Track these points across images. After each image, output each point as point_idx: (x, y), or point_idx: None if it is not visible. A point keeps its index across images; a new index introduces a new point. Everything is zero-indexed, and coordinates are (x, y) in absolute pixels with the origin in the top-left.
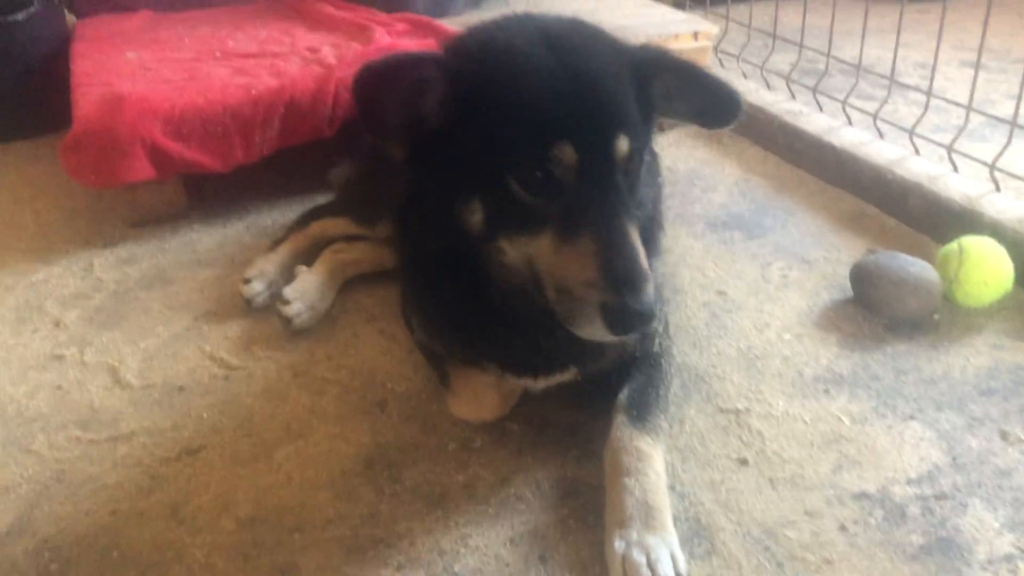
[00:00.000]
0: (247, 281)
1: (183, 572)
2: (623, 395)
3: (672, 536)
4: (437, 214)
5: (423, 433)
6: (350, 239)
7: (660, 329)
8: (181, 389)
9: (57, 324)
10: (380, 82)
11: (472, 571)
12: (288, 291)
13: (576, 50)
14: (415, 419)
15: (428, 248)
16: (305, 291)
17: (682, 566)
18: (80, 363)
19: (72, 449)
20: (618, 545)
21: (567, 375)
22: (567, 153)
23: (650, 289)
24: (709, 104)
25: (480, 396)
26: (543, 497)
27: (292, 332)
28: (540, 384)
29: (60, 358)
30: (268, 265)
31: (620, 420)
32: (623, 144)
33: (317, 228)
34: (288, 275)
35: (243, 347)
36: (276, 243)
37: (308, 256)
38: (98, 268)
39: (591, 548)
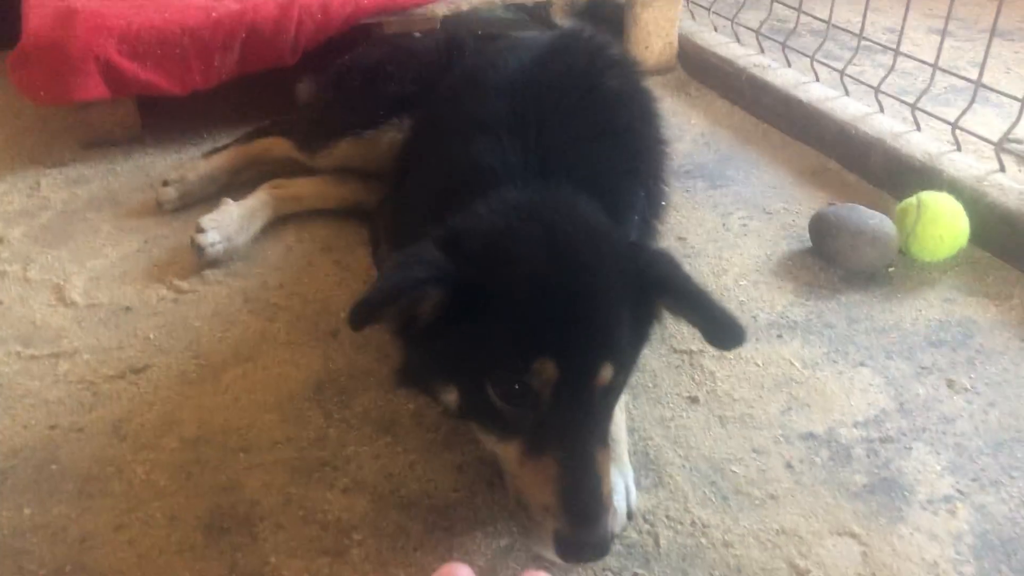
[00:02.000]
0: (165, 184)
1: (123, 487)
2: None
3: (629, 471)
4: (419, 379)
5: (376, 362)
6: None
7: None
8: (128, 310)
9: (1, 241)
10: (376, 311)
11: (418, 495)
12: (205, 220)
13: (580, 269)
14: (368, 348)
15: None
16: (223, 221)
17: (634, 500)
18: (23, 280)
19: (11, 364)
20: None
21: None
22: (548, 369)
23: (607, 520)
24: (711, 331)
25: None
26: None
27: (205, 263)
28: None
29: (2, 274)
30: (190, 173)
31: None
32: (607, 372)
33: (260, 145)
34: (212, 187)
35: (193, 271)
36: (211, 152)
37: (247, 176)
38: (45, 187)
39: None
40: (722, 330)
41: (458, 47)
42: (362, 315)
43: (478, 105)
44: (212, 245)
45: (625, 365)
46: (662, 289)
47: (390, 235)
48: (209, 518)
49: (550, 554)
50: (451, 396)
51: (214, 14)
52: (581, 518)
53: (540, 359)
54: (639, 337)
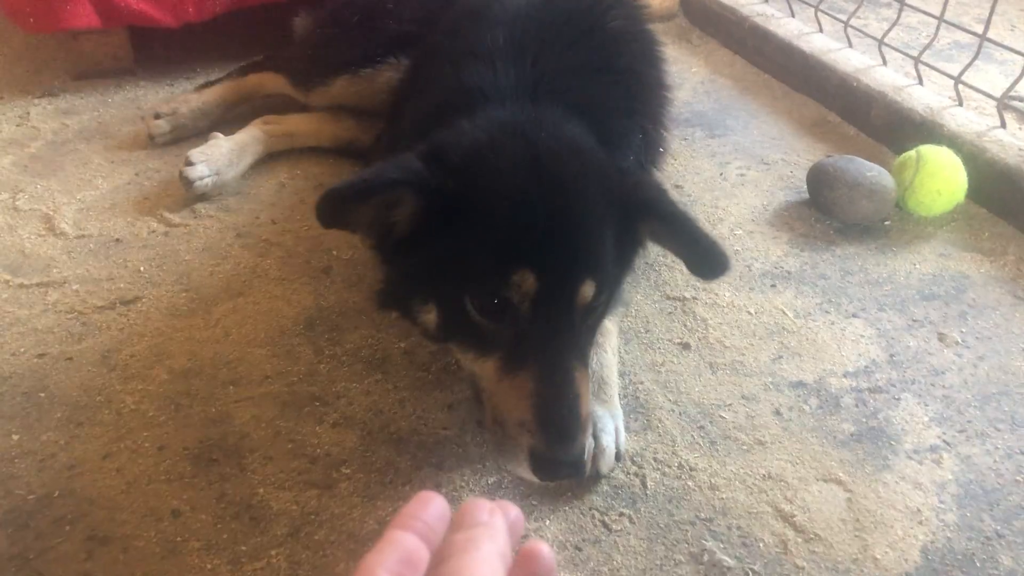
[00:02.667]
0: (157, 116)
1: (112, 416)
2: None
3: (619, 412)
4: (398, 298)
5: (367, 300)
6: (288, 109)
7: None
8: (118, 241)
9: None
10: (345, 205)
11: (408, 432)
12: (194, 153)
13: (563, 184)
14: (360, 286)
15: None
16: (212, 155)
17: (623, 441)
18: (12, 208)
19: (0, 292)
20: None
21: None
22: (527, 281)
23: (583, 440)
24: (695, 258)
25: None
26: None
27: (193, 196)
28: None
29: None
30: (182, 106)
31: None
32: (588, 290)
33: (253, 80)
34: (204, 122)
35: (184, 205)
36: (204, 86)
37: (240, 111)
38: (35, 117)
39: None
40: (705, 257)
41: None
42: (329, 207)
43: (475, 35)
44: (200, 179)
45: (607, 286)
46: (647, 213)
47: None
48: (198, 449)
49: (525, 472)
50: (430, 316)
51: None
52: (557, 435)
53: (519, 271)
54: (623, 261)
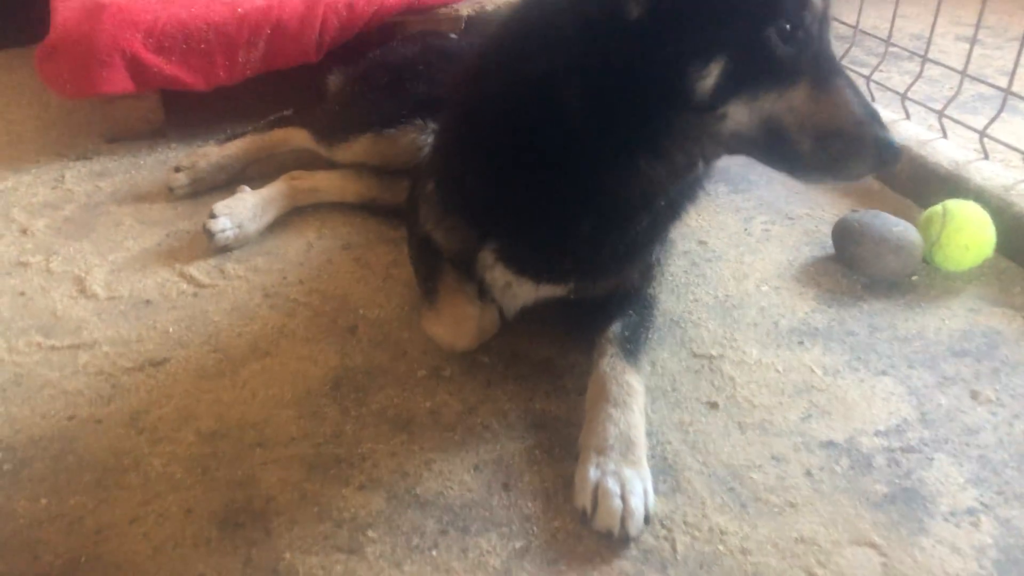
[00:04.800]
0: (177, 170)
1: (139, 479)
2: (616, 328)
3: (647, 474)
4: (649, 82)
5: (393, 359)
6: (311, 165)
7: (655, 275)
8: (148, 303)
9: (24, 232)
10: None
11: (434, 494)
12: (219, 206)
13: None
14: (385, 345)
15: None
16: (236, 208)
17: (651, 503)
18: (45, 271)
19: (32, 354)
20: (592, 472)
21: (563, 289)
22: (819, 3)
23: None
24: None
25: (461, 320)
26: (510, 427)
27: (215, 248)
28: (532, 294)
29: (25, 265)
30: (201, 160)
31: (614, 351)
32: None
33: (278, 135)
34: (223, 175)
35: (214, 266)
36: (227, 139)
37: (264, 166)
38: (69, 180)
39: (555, 479)
40: None
41: None
42: None
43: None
44: (222, 231)
45: None
46: None
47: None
48: (224, 512)
49: (870, 166)
50: (708, 80)
51: (240, 10)
52: (880, 120)
53: None
54: None
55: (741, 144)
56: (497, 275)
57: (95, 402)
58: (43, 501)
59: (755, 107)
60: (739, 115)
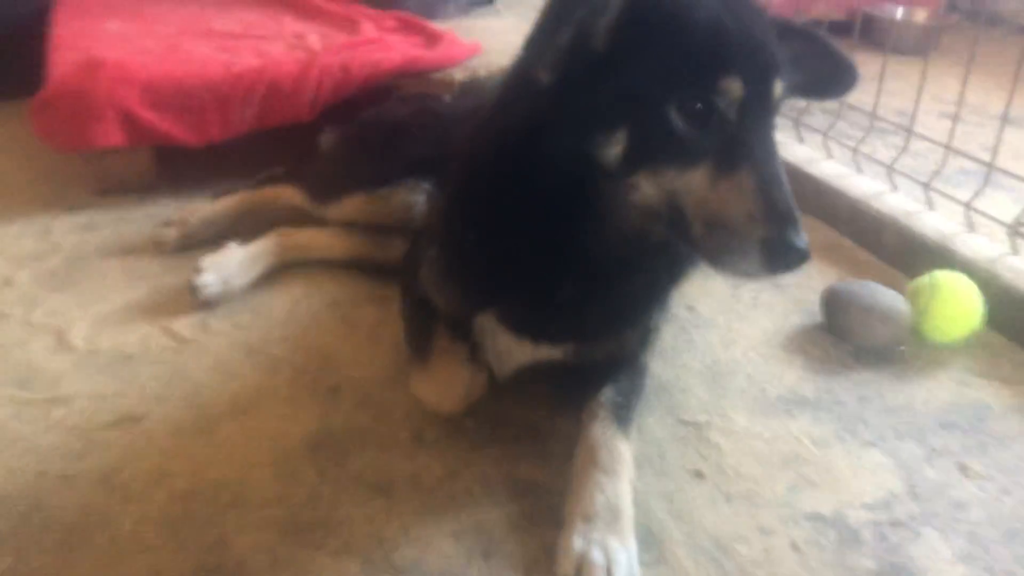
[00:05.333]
0: (167, 224)
1: (107, 540)
2: (609, 392)
3: (634, 546)
4: (561, 146)
5: (375, 421)
6: (302, 222)
7: (652, 341)
8: (129, 357)
9: (7, 283)
10: (563, 2)
11: (411, 562)
12: (205, 260)
13: None
14: (368, 406)
15: (523, 179)
16: (222, 263)
17: None
18: (26, 323)
19: (5, 407)
20: (578, 541)
21: (561, 352)
22: (735, 87)
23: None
24: (830, 72)
25: (451, 382)
26: (492, 494)
27: (200, 302)
28: (529, 356)
29: (5, 316)
30: (191, 216)
31: (605, 416)
32: (779, 87)
33: (268, 193)
34: (212, 231)
35: (198, 321)
36: (218, 195)
37: (254, 222)
38: (57, 232)
39: (538, 548)
40: (839, 68)
41: None
42: (553, 25)
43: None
44: (207, 286)
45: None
46: (790, 32)
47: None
48: None
49: (755, 269)
50: (616, 148)
51: (235, 68)
52: (787, 221)
53: (727, 78)
54: None
55: (653, 217)
56: (496, 338)
57: (67, 458)
58: (8, 560)
59: (659, 181)
60: (646, 187)
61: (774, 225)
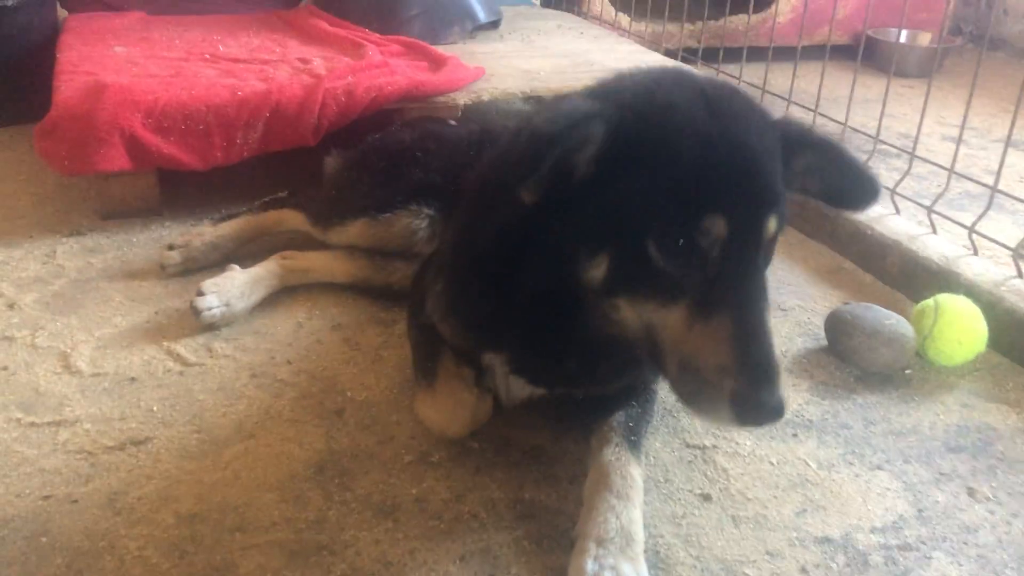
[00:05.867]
0: (171, 248)
1: (114, 563)
2: (620, 418)
3: (645, 571)
4: (550, 259)
5: (380, 443)
6: (305, 246)
7: None
8: (133, 380)
9: (11, 306)
10: (543, 140)
11: None
12: (207, 284)
13: (735, 118)
14: (373, 429)
15: (521, 282)
16: (224, 286)
17: None
18: (31, 346)
19: (10, 431)
20: (590, 565)
21: (571, 390)
22: (718, 226)
23: (782, 383)
24: (848, 186)
25: (457, 406)
26: (498, 516)
27: (202, 325)
28: (540, 391)
29: (10, 340)
30: (195, 239)
31: (618, 440)
32: (772, 225)
33: (271, 217)
34: (216, 254)
35: (202, 344)
36: (222, 219)
37: (257, 246)
38: (61, 255)
39: (544, 571)
40: (859, 182)
41: (492, 139)
42: (530, 137)
43: None
44: (208, 309)
45: (784, 220)
46: (803, 145)
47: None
48: None
49: (725, 420)
50: (597, 271)
51: (239, 93)
52: (761, 376)
53: (710, 216)
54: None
55: (631, 341)
56: (504, 374)
57: (72, 481)
58: None
59: (638, 311)
60: (627, 312)
61: (746, 380)
